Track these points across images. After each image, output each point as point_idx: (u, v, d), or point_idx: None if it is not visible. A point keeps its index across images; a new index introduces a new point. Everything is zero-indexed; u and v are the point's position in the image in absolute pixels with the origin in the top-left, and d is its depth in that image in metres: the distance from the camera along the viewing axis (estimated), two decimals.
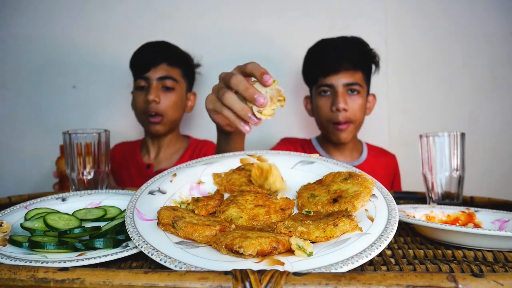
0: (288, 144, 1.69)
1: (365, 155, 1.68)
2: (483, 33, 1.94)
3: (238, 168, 0.83)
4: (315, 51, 1.59)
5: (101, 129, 1.09)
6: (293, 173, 0.81)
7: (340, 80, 1.49)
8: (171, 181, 0.78)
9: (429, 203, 1.04)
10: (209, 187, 0.81)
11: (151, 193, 0.74)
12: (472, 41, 1.94)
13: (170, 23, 1.92)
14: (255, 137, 1.88)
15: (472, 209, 0.86)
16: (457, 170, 1.02)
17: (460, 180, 1.02)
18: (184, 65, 1.65)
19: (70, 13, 1.91)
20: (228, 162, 0.86)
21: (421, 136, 1.06)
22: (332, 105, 1.50)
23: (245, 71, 0.79)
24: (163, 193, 0.75)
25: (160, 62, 1.57)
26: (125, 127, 1.88)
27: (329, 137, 1.58)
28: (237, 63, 0.83)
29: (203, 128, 1.93)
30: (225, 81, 0.80)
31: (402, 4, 1.95)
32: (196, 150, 1.72)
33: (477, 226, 0.83)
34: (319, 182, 0.76)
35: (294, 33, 1.92)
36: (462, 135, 1.03)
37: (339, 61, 1.49)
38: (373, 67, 1.64)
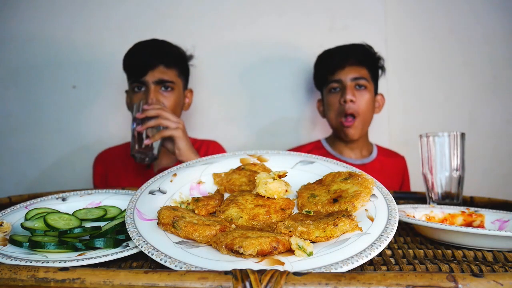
0: None
1: (375, 154, 1.73)
2: (483, 33, 1.94)
3: (238, 168, 0.83)
4: (323, 55, 1.71)
5: None
6: (293, 173, 0.81)
7: (347, 75, 1.59)
8: (171, 181, 0.78)
9: (429, 203, 1.04)
10: (209, 187, 0.81)
11: (151, 193, 0.74)
12: (472, 41, 1.94)
13: (170, 23, 1.92)
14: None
15: (472, 209, 0.86)
16: (457, 170, 1.02)
17: (460, 180, 1.02)
18: (180, 64, 1.62)
19: (70, 13, 1.91)
20: (228, 162, 0.86)
21: (421, 136, 1.06)
22: (340, 98, 1.59)
23: None
24: (163, 193, 0.75)
25: (157, 65, 1.51)
26: (125, 127, 1.88)
27: (339, 135, 1.65)
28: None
29: (203, 128, 1.93)
30: None
31: (402, 4, 1.95)
32: (201, 149, 1.72)
33: (477, 226, 0.83)
34: (319, 182, 0.76)
35: (294, 33, 1.92)
36: (462, 135, 1.03)
37: (345, 57, 1.61)
38: (380, 71, 1.70)
